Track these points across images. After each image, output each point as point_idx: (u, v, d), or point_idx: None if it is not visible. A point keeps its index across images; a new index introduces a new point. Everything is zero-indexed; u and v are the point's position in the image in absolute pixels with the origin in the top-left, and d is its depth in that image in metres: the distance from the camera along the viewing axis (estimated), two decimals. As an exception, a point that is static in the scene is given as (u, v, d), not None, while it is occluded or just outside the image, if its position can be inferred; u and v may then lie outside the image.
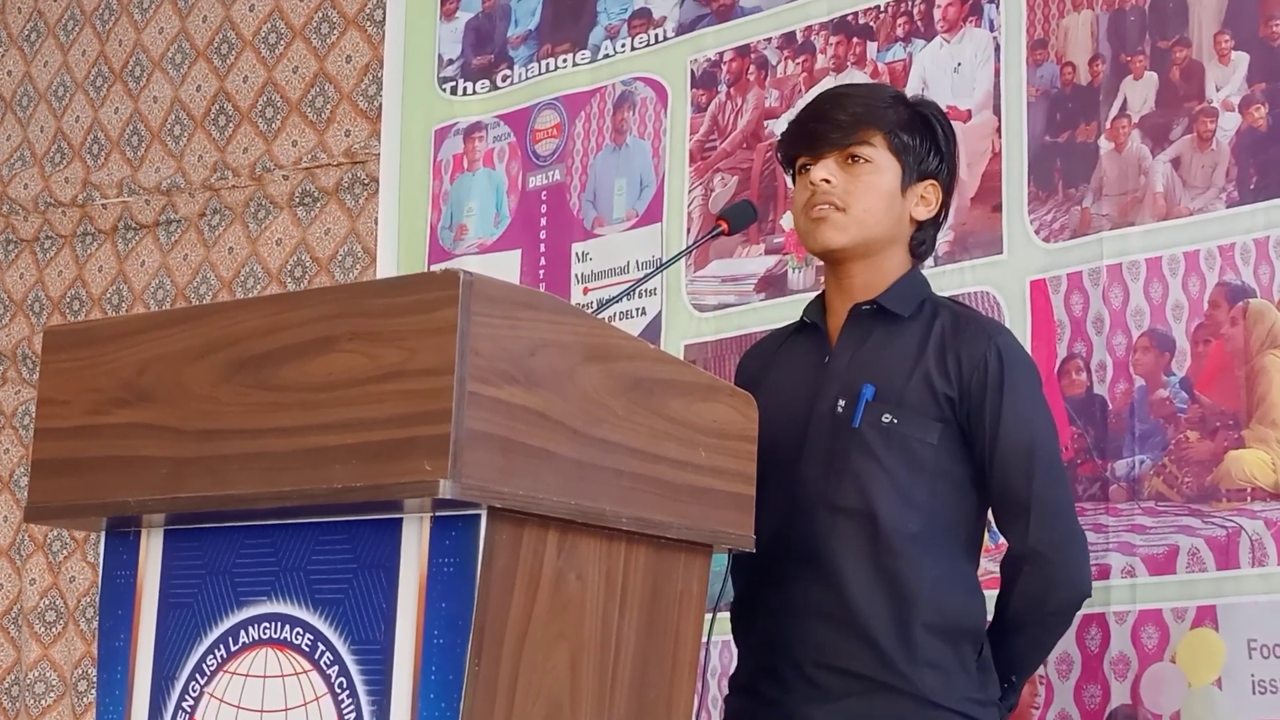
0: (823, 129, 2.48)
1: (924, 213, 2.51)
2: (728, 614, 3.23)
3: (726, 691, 2.54)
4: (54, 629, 4.74)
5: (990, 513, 2.49)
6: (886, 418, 2.40)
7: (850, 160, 2.46)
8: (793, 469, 2.44)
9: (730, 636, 3.31)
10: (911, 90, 3.17)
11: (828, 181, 2.45)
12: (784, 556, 2.41)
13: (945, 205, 2.55)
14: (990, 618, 2.47)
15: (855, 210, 2.45)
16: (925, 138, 2.50)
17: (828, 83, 3.53)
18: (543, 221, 3.96)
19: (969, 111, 3.30)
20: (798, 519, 2.42)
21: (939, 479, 2.42)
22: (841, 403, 2.43)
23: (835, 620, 2.38)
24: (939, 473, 2.42)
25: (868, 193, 2.46)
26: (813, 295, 3.39)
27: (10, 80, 5.14)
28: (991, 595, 2.48)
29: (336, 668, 1.95)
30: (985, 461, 2.42)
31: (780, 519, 2.39)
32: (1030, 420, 2.43)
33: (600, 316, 2.25)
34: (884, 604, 2.38)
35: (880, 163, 2.46)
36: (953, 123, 2.60)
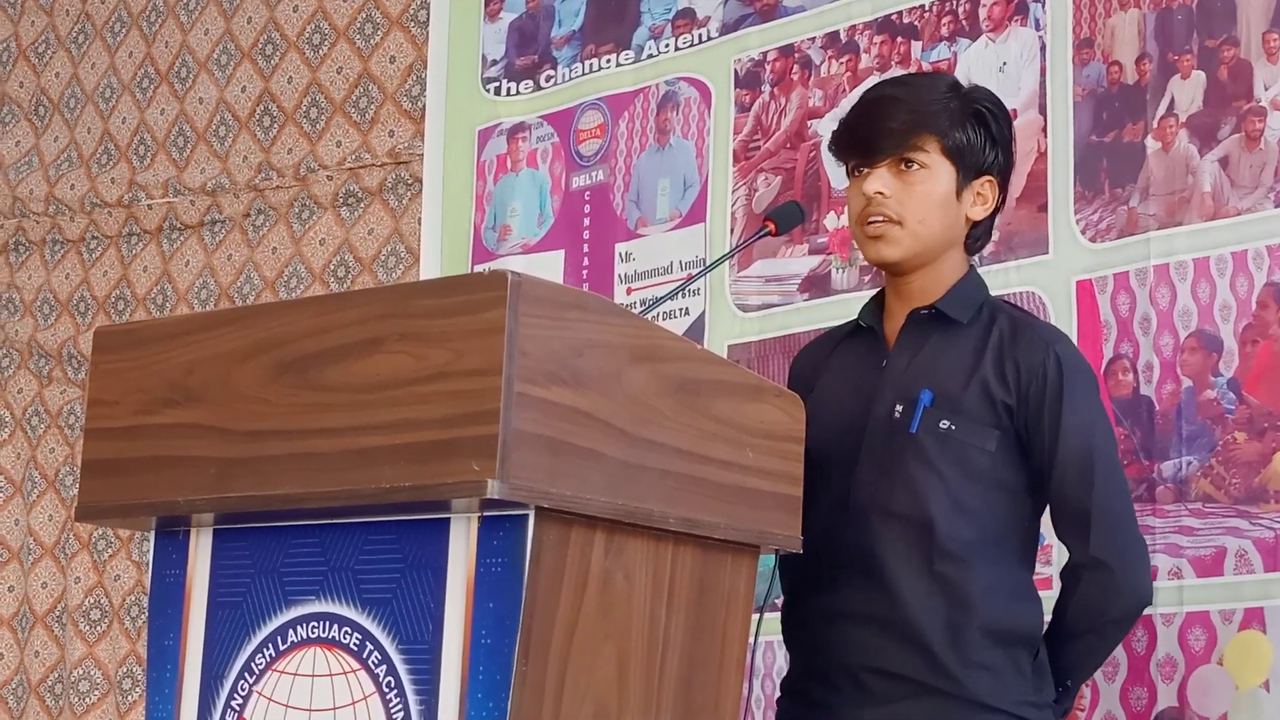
0: (875, 136, 2.45)
1: (980, 212, 2.49)
2: (774, 614, 3.23)
3: (778, 694, 2.54)
4: (98, 628, 4.77)
5: (1050, 520, 2.46)
6: (944, 424, 2.39)
7: (904, 166, 2.44)
8: (847, 473, 2.43)
9: (773, 638, 3.30)
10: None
11: (881, 194, 2.43)
12: (836, 560, 2.40)
13: (1002, 195, 2.53)
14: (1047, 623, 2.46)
15: (910, 223, 2.43)
16: (980, 133, 2.46)
17: (871, 83, 3.52)
18: (586, 222, 3.96)
19: (1015, 111, 3.27)
20: (850, 523, 2.41)
21: (993, 486, 2.40)
22: (899, 408, 2.42)
23: (887, 625, 2.37)
24: (994, 480, 2.40)
25: (923, 202, 2.43)
26: (855, 295, 3.37)
27: (58, 82, 5.17)
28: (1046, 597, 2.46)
29: (384, 667, 1.96)
30: (1044, 470, 2.40)
31: (833, 523, 2.39)
32: (1089, 428, 2.40)
33: (644, 317, 2.25)
34: (938, 609, 2.36)
35: (935, 169, 2.44)
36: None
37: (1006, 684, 2.37)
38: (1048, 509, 2.47)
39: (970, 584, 2.36)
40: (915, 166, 2.43)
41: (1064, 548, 2.47)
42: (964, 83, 2.56)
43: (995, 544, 2.40)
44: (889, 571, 2.38)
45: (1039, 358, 2.40)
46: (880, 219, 2.43)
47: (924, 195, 2.43)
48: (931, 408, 2.40)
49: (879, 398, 2.44)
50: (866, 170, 2.45)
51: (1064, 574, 2.45)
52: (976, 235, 2.52)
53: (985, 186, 2.49)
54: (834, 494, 2.41)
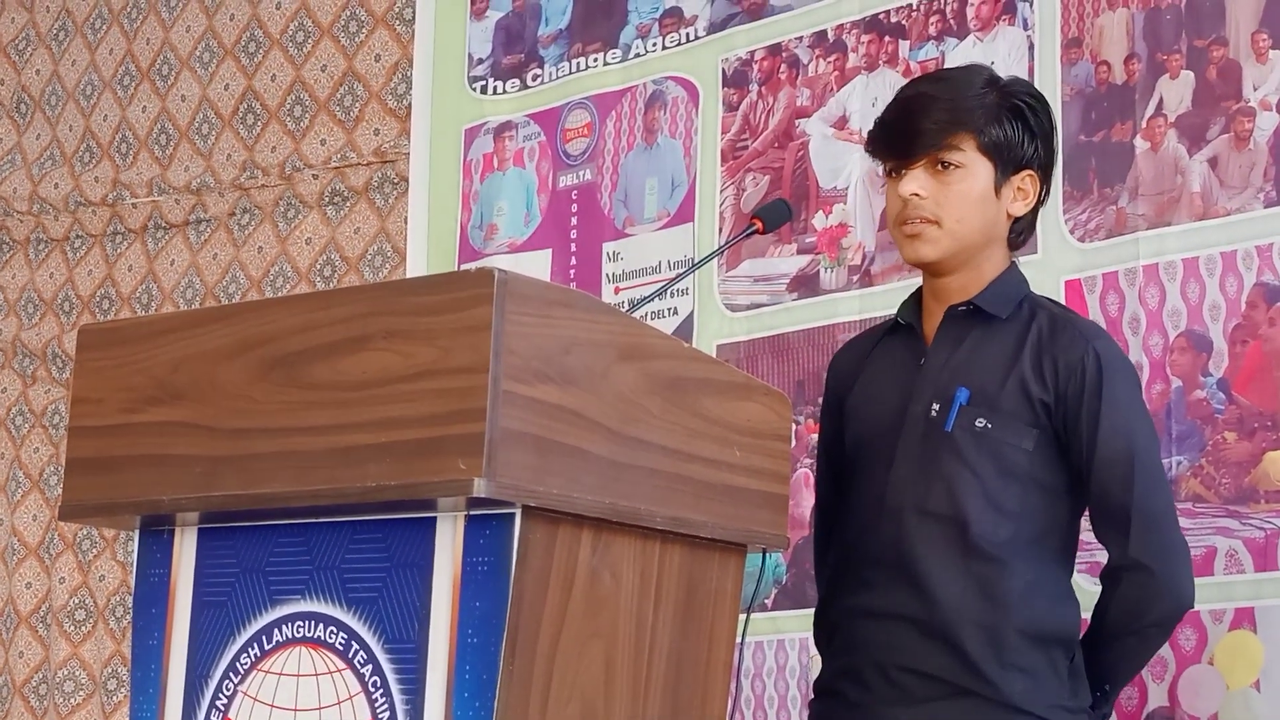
0: (910, 136, 2.41)
1: (1021, 207, 2.46)
2: (762, 614, 3.23)
3: (811, 694, 2.53)
4: (83, 628, 4.75)
5: (1090, 520, 2.44)
6: (980, 422, 2.37)
7: (941, 166, 2.40)
8: (883, 472, 2.41)
9: (763, 638, 3.30)
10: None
11: (918, 195, 2.39)
12: (870, 559, 2.40)
13: (1045, 188, 2.49)
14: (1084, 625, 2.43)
15: (948, 222, 2.40)
16: (1018, 127, 2.42)
17: (859, 82, 3.52)
18: (573, 221, 3.95)
19: (1003, 110, 3.27)
20: (886, 522, 2.39)
21: (1030, 485, 2.38)
22: (935, 406, 2.40)
23: (921, 625, 2.36)
24: (1031, 479, 2.38)
25: (960, 202, 2.40)
26: (844, 295, 3.37)
27: (39, 79, 5.15)
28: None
29: (370, 667, 1.95)
30: (1083, 470, 2.37)
31: (869, 521, 2.39)
32: (1129, 427, 2.37)
33: (632, 315, 2.24)
34: (975, 610, 2.34)
35: (972, 167, 2.40)
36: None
37: (1042, 687, 2.34)
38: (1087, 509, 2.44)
39: (1006, 584, 2.34)
40: (952, 166, 2.40)
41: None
42: (1003, 76, 2.51)
43: (1032, 544, 2.37)
44: (924, 571, 2.36)
45: (1078, 354, 2.37)
46: (917, 220, 2.40)
47: (961, 194, 2.40)
48: (968, 406, 2.37)
49: (916, 396, 2.42)
50: (903, 171, 2.42)
51: (1104, 576, 2.42)
52: (1019, 230, 2.48)
53: (1026, 181, 2.45)
54: (871, 493, 2.40)
